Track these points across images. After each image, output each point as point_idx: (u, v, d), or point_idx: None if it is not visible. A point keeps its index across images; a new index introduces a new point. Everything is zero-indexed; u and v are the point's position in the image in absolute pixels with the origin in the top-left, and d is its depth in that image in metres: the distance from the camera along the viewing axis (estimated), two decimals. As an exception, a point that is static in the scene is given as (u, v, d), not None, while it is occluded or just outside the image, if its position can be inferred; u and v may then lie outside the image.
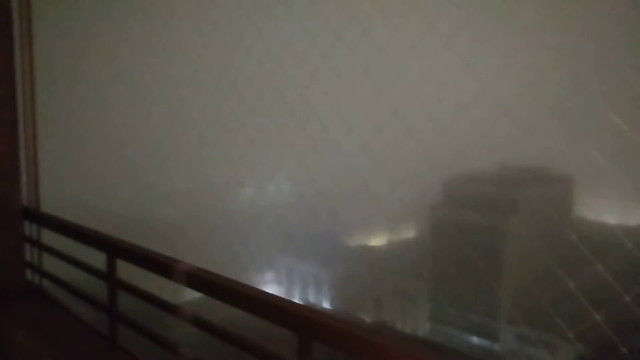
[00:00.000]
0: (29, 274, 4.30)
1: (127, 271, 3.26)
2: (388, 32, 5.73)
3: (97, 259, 3.34)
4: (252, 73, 7.77)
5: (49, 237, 4.24)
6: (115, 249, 3.09)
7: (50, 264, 4.20)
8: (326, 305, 37.33)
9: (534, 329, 25.72)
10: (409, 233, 38.11)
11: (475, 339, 30.18)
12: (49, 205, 4.46)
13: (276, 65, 7.27)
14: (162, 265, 2.74)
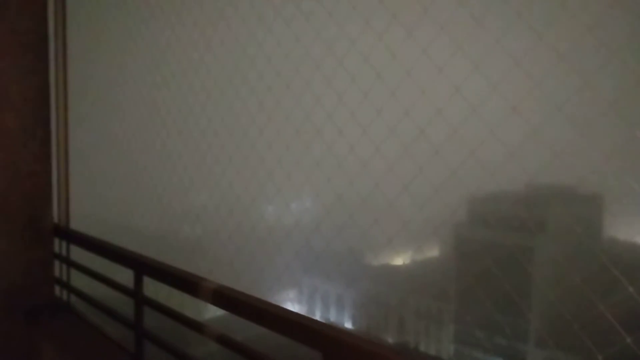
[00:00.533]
0: (57, 290, 4.42)
1: (151, 289, 3.31)
2: (415, 54, 5.79)
3: (122, 275, 3.41)
4: (280, 95, 7.94)
5: (77, 254, 4.34)
6: (142, 266, 3.18)
7: (78, 281, 4.29)
8: (348, 325, 37.10)
9: (563, 351, 25.02)
10: (434, 252, 37.72)
11: (502, 363, 29.49)
12: (78, 222, 4.57)
13: (304, 86, 7.41)
14: (188, 283, 2.80)
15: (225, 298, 2.53)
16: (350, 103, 6.92)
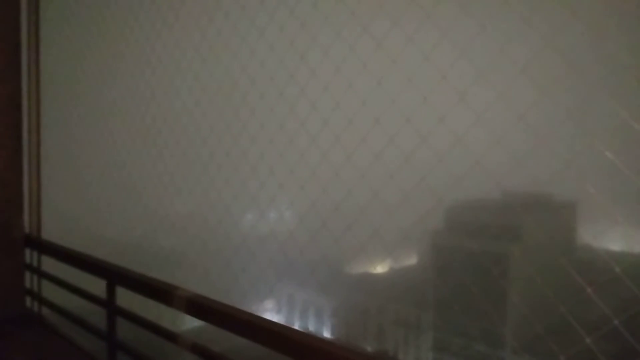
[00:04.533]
0: (28, 302, 4.39)
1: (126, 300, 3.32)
2: (385, 64, 5.97)
3: (97, 286, 3.42)
4: (255, 103, 8.00)
5: (49, 265, 4.30)
6: (114, 275, 3.19)
7: (50, 292, 4.25)
8: (326, 334, 37.04)
9: (533, 357, 25.54)
10: (408, 260, 38.08)
11: (475, 367, 29.97)
12: (50, 232, 4.53)
13: (277, 95, 7.49)
14: (161, 292, 2.83)
15: (200, 307, 2.55)
16: (323, 111, 7.04)
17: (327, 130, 7.18)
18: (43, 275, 4.28)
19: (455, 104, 5.70)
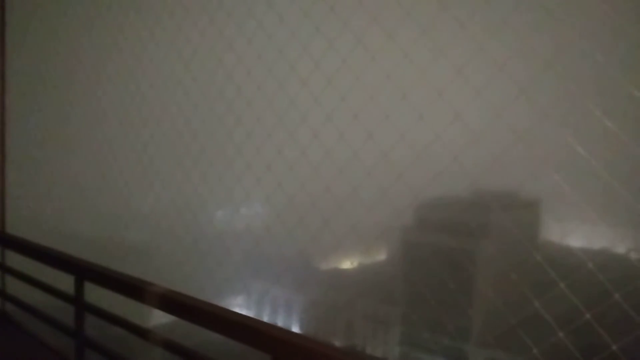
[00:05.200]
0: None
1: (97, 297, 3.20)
2: (365, 61, 5.94)
3: (65, 282, 3.29)
4: (233, 97, 7.90)
5: (14, 260, 4.14)
6: (83, 271, 3.07)
7: (15, 288, 4.09)
8: (296, 328, 37.00)
9: (504, 351, 26.02)
10: (382, 256, 38.30)
11: (446, 363, 30.39)
12: (15, 227, 4.37)
13: (255, 90, 7.42)
14: (132, 288, 2.73)
15: (173, 303, 2.48)
16: (301, 107, 6.99)
17: (306, 125, 7.13)
18: (7, 270, 4.12)
19: (434, 101, 5.72)
